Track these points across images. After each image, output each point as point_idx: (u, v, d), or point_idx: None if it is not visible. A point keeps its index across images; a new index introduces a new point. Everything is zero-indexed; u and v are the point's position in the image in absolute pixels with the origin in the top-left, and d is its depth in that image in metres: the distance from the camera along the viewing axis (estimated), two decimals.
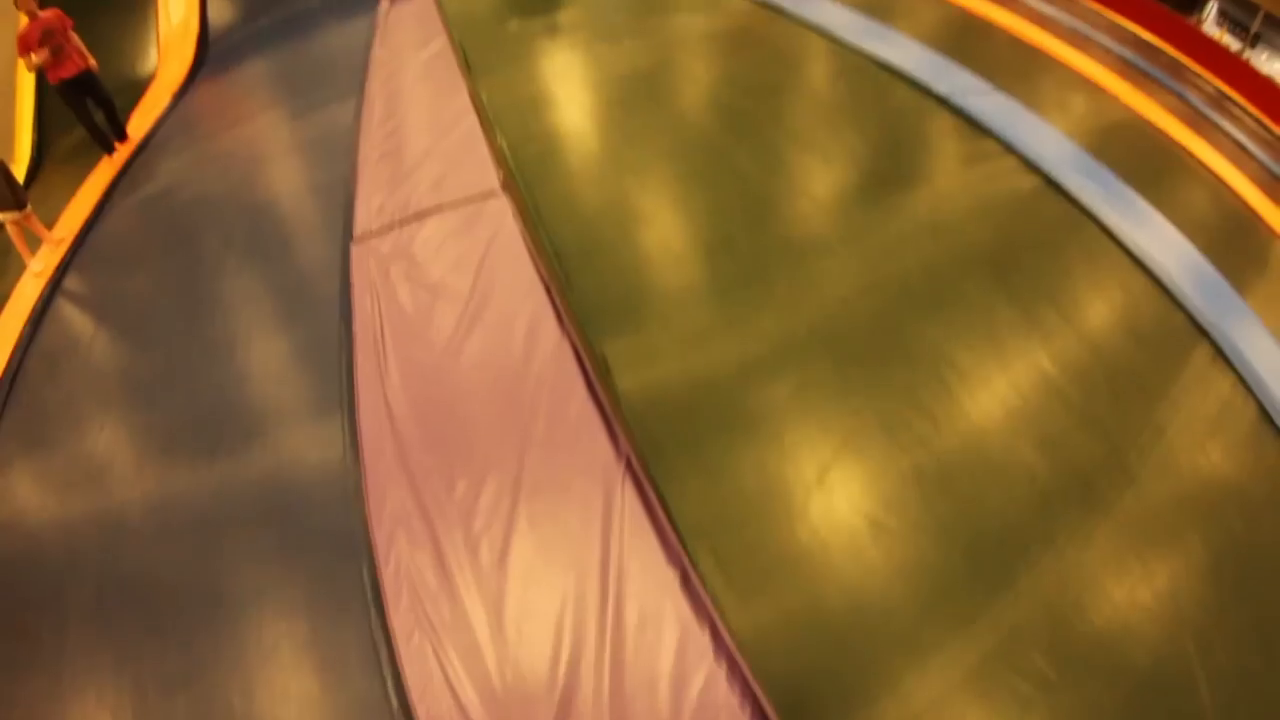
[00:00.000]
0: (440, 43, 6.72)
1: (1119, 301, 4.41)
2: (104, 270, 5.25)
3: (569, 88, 5.81)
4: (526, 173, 4.07)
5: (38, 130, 9.12)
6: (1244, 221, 7.53)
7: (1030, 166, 5.52)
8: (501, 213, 3.65)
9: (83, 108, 6.98)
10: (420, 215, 3.72)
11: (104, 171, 6.83)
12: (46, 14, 6.87)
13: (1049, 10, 14.69)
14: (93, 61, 7.04)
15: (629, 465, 2.60)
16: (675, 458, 2.62)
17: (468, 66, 5.94)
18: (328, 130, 5.78)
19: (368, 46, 7.33)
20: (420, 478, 2.60)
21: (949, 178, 5.07)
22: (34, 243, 5.57)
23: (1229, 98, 18.70)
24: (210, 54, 9.71)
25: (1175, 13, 26.20)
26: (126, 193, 6.34)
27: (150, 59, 9.81)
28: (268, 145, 6.26)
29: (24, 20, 7.08)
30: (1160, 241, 5.36)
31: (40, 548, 3.15)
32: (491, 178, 3.98)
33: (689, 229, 3.91)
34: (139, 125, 7.64)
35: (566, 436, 2.70)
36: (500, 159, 4.19)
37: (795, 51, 7.02)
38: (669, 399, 2.84)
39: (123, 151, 7.10)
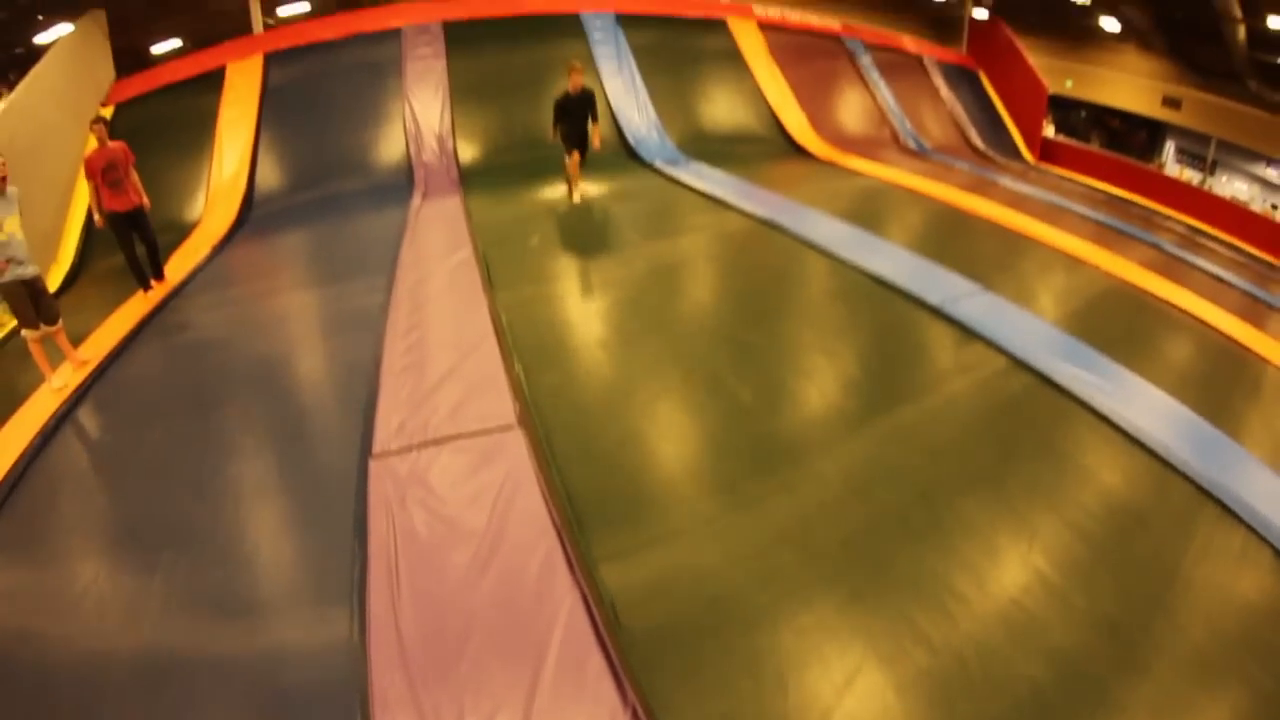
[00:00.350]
0: (466, 252, 7.00)
1: (1118, 486, 4.42)
2: (123, 408, 5.28)
3: (585, 311, 6.07)
4: (542, 407, 4.29)
5: (84, 239, 9.56)
6: (1233, 358, 7.84)
7: (1020, 364, 5.63)
8: (518, 448, 3.80)
9: (128, 241, 7.17)
10: (439, 442, 3.87)
11: (136, 305, 6.97)
12: (114, 145, 7.12)
13: (1025, 189, 15.73)
14: (146, 200, 7.35)
15: (635, 715, 2.65)
16: (682, 709, 2.71)
17: (490, 281, 6.19)
18: (355, 314, 6.03)
19: (398, 241, 7.65)
20: (429, 708, 2.64)
21: (944, 391, 5.16)
22: (54, 356, 5.60)
23: (1200, 231, 19.97)
24: (253, 214, 10.18)
25: (1138, 162, 28.01)
26: (156, 334, 6.44)
27: (198, 206, 10.32)
28: (298, 318, 6.50)
29: (93, 142, 7.38)
30: (1151, 412, 5.43)
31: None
32: (509, 409, 4.15)
33: (696, 466, 4.06)
34: (178, 268, 7.87)
35: (574, 682, 2.75)
36: (517, 390, 4.39)
37: (794, 269, 7.33)
38: (676, 645, 2.93)
39: (158, 290, 7.27)
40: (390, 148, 11.69)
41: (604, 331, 5.67)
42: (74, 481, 4.48)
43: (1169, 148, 29.85)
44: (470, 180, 10.77)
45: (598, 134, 8.92)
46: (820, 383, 5.11)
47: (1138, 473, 4.60)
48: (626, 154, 12.24)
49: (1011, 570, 3.44)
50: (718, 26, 16.37)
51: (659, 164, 11.69)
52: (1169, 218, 20.48)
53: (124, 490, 4.25)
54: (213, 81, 12.07)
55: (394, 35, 13.09)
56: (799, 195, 10.40)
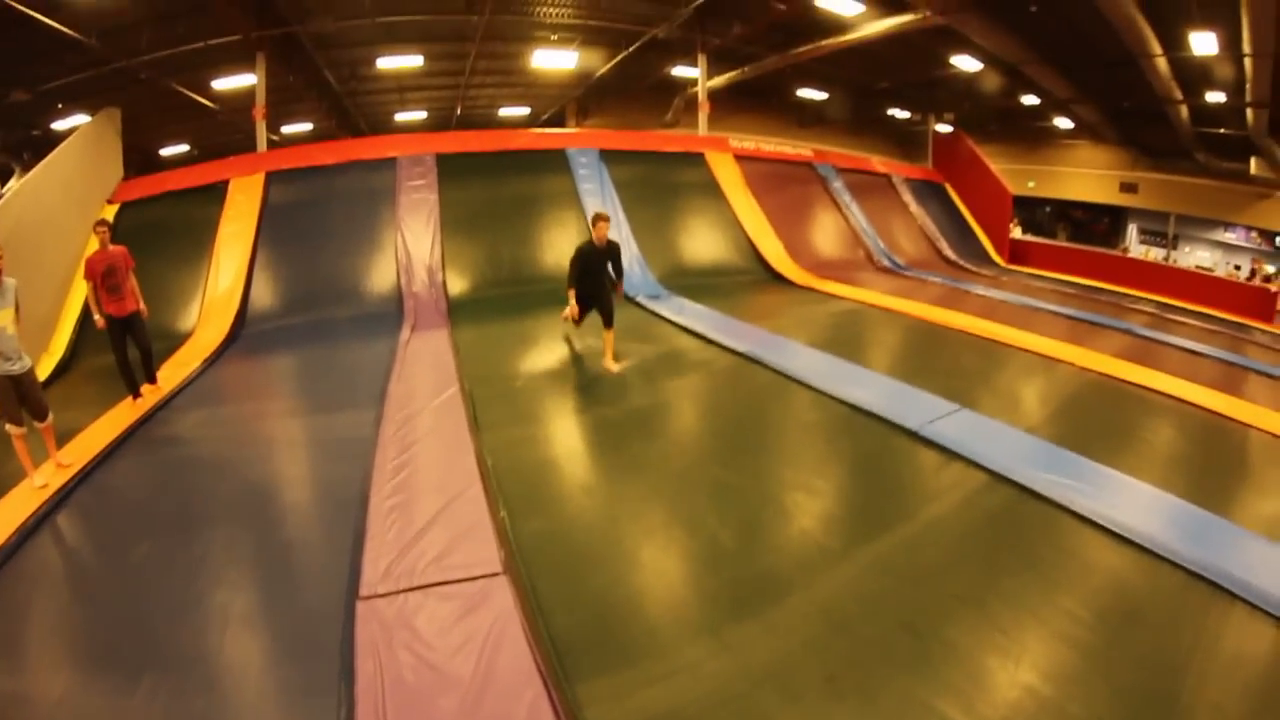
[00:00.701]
0: (452, 390, 7.12)
1: (1106, 587, 4.46)
2: (106, 517, 5.30)
3: (569, 453, 6.17)
4: (527, 553, 4.38)
5: (78, 332, 9.82)
6: (1213, 431, 7.99)
7: (999, 479, 5.73)
8: (503, 595, 3.84)
9: (122, 345, 7.30)
10: (425, 587, 3.92)
11: (125, 412, 7.07)
12: (115, 250, 7.33)
13: (997, 294, 16.06)
14: (144, 306, 7.57)
15: None
16: None
17: (476, 422, 6.30)
18: (343, 446, 6.10)
19: (387, 373, 7.80)
20: None
21: (923, 516, 5.22)
22: (38, 451, 5.61)
23: (1171, 306, 20.20)
24: (245, 331, 10.44)
25: (1104, 249, 28.84)
26: (144, 444, 6.49)
27: (192, 316, 10.62)
28: (286, 444, 6.58)
29: (94, 243, 7.65)
30: (1134, 506, 5.47)
31: None
32: (494, 557, 4.21)
33: (680, 609, 4.08)
34: (168, 378, 8.01)
35: None
36: (503, 536, 4.48)
37: (774, 403, 7.45)
38: None
39: (149, 397, 7.38)
40: (382, 276, 12.08)
41: (588, 474, 5.76)
42: (51, 586, 4.47)
43: (1131, 230, 31.62)
44: (458, 313, 11.06)
45: (620, 288, 8.44)
46: (800, 518, 5.16)
47: (1126, 570, 4.69)
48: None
49: (1001, 691, 3.46)
50: (696, 160, 17.12)
51: (642, 299, 12.05)
52: (1139, 299, 21.04)
53: (105, 603, 4.22)
54: (215, 194, 12.55)
55: (390, 164, 13.68)
56: (778, 325, 10.68)
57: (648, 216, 14.86)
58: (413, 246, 12.37)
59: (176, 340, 9.71)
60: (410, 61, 18.68)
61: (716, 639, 3.77)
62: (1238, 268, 27.83)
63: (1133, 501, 5.66)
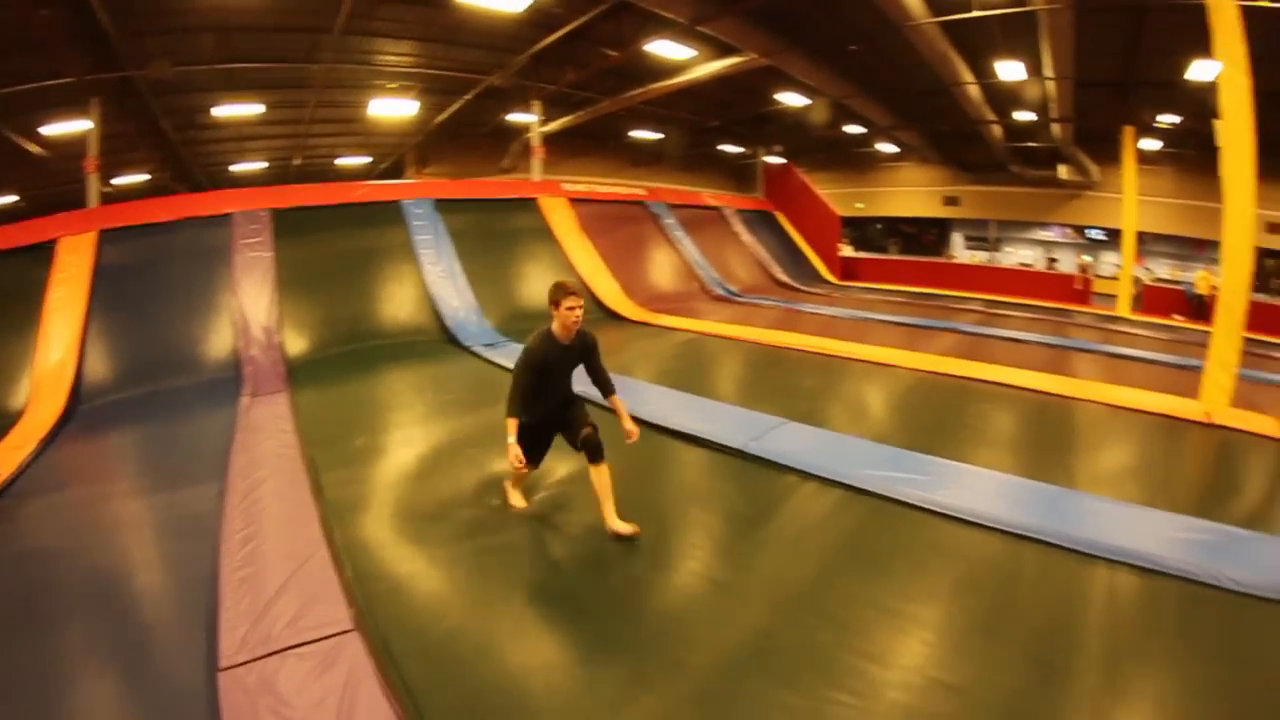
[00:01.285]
0: (294, 457, 7.17)
1: (962, 575, 5.06)
2: None
3: (411, 509, 6.27)
4: (377, 610, 4.59)
5: None
6: (1043, 410, 9.26)
7: (838, 485, 6.41)
8: (356, 650, 4.07)
9: None
10: (282, 651, 4.09)
11: None
12: None
13: (831, 311, 17.30)
14: None
15: None
16: None
17: (319, 486, 6.43)
18: (189, 522, 6.10)
19: (229, 443, 7.66)
20: None
21: (765, 529, 5.72)
22: None
23: (997, 302, 22.27)
24: (81, 408, 9.90)
25: (932, 258, 31.50)
26: None
27: (22, 394, 9.93)
28: (132, 527, 6.43)
29: None
30: (972, 491, 6.22)
31: None
32: (345, 615, 4.43)
33: (528, 648, 4.31)
34: (1, 464, 7.56)
35: None
36: (351, 595, 4.69)
37: (611, 439, 7.54)
38: None
39: None
40: (220, 341, 11.71)
41: (429, 529, 5.92)
42: None
43: (956, 239, 34.86)
44: (298, 375, 10.93)
45: (625, 413, 5.85)
46: (634, 545, 5.52)
47: (976, 553, 5.32)
48: (445, 339, 12.81)
49: (887, 690, 3.84)
50: (529, 205, 17.53)
51: (477, 348, 12.24)
52: (967, 299, 23.39)
53: None
54: (43, 254, 11.70)
55: (225, 221, 13.25)
56: (614, 363, 11.02)
57: (483, 264, 15.16)
58: (249, 308, 12.07)
59: (7, 420, 9.27)
60: (250, 110, 18.49)
61: (567, 673, 4.09)
62: (1054, 260, 31.42)
63: (974, 486, 6.37)
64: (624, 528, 5.56)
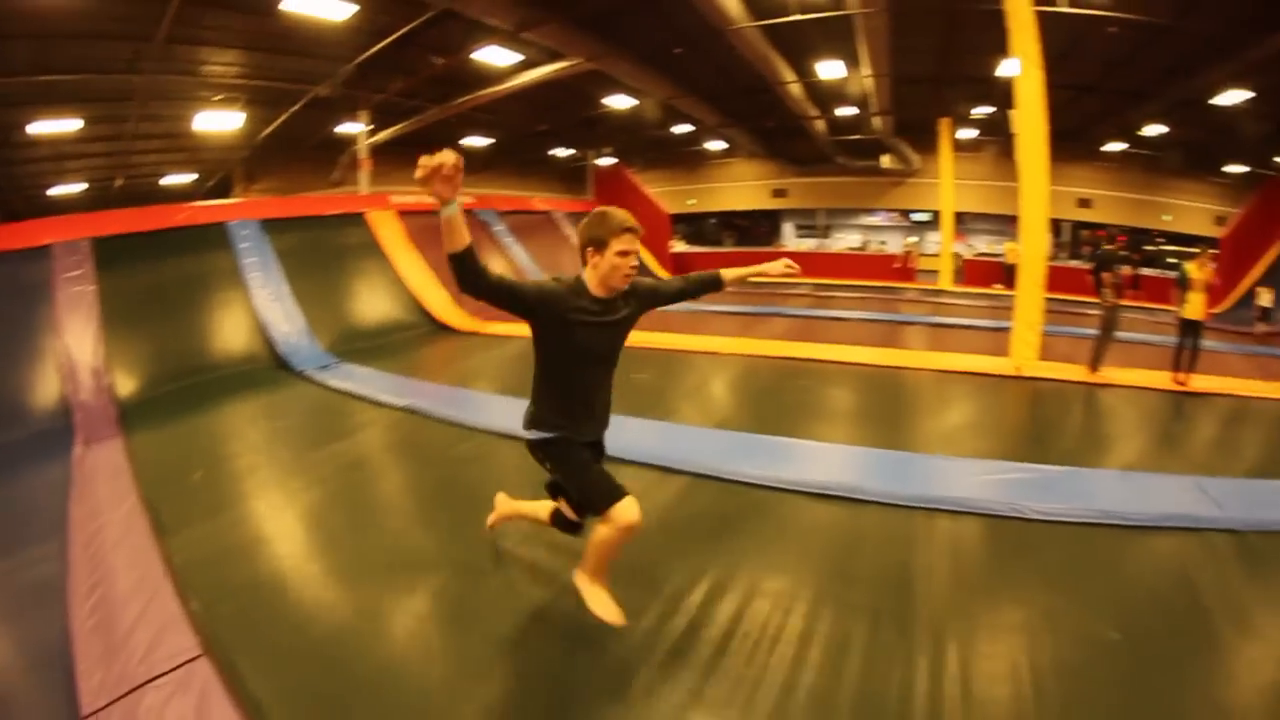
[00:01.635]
0: (132, 499, 6.97)
1: (816, 545, 5.43)
2: None
3: (255, 535, 6.24)
4: (224, 634, 4.60)
5: None
6: (874, 381, 10.13)
7: (686, 475, 6.66)
8: (206, 674, 4.13)
9: None
10: (139, 687, 4.08)
11: None
12: None
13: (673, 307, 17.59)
14: None
15: None
16: None
17: (160, 525, 6.31)
18: (32, 579, 5.83)
19: (65, 496, 7.33)
20: None
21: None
22: None
23: (827, 285, 23.78)
24: None
25: (763, 249, 33.42)
26: None
27: None
28: None
29: None
30: (812, 464, 6.70)
31: None
32: (193, 643, 4.46)
33: (385, 655, 4.36)
34: None
35: None
36: (198, 624, 4.70)
37: (447, 453, 7.89)
38: None
39: None
40: (46, 388, 10.74)
41: (270, 550, 5.95)
42: None
43: (788, 229, 36.70)
44: (131, 416, 10.37)
45: (755, 268, 4.78)
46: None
47: (820, 521, 5.75)
48: (277, 365, 12.30)
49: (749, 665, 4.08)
50: (357, 220, 17.14)
51: (309, 372, 11.89)
52: (799, 284, 24.78)
53: None
54: None
55: (44, 254, 12.20)
56: (453, 375, 11.39)
57: (313, 285, 14.75)
58: (75, 350, 11.20)
59: None
60: (68, 126, 17.34)
61: (412, 667, 4.22)
62: (883, 243, 33.62)
63: (814, 460, 6.81)
64: (608, 615, 4.18)
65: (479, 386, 10.56)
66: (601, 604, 4.14)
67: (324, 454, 8.00)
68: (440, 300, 16.80)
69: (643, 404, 8.87)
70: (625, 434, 7.37)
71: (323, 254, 15.99)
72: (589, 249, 3.78)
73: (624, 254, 3.73)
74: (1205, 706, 3.66)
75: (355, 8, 13.10)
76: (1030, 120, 11.19)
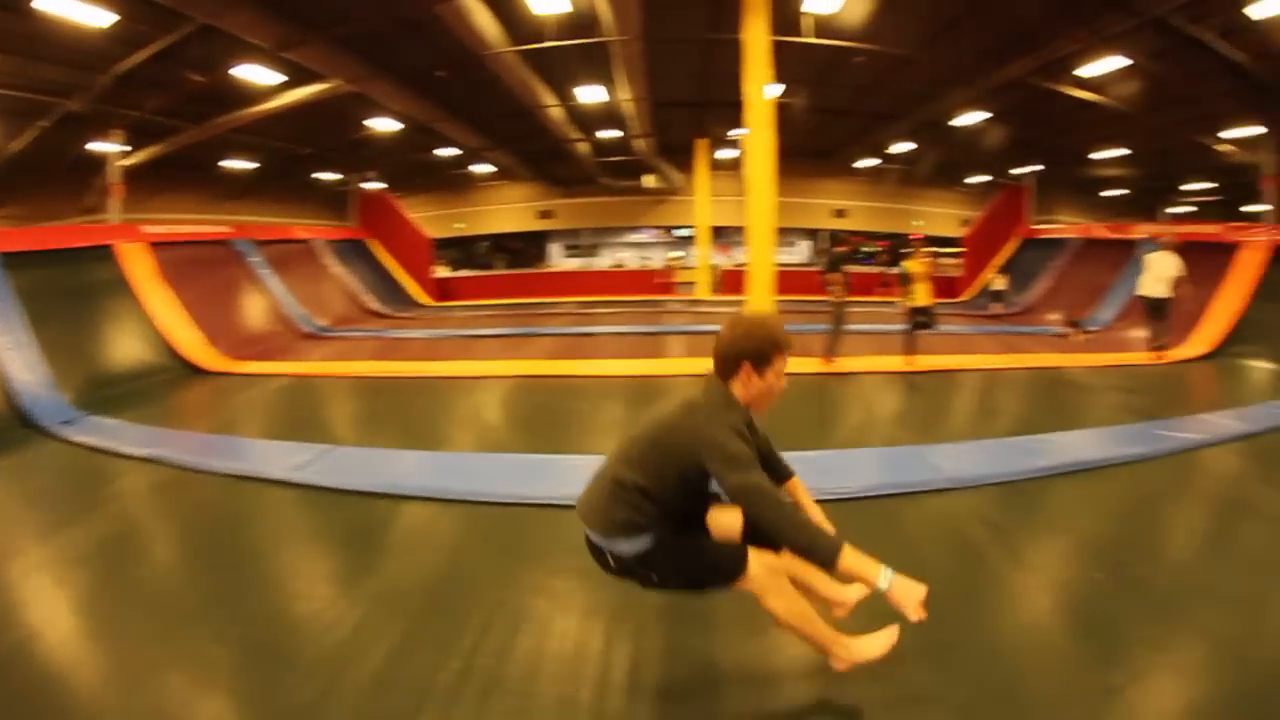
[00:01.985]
0: None
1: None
2: None
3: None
4: None
5: None
6: (640, 392, 10.27)
7: (458, 503, 6.55)
8: None
9: None
10: None
11: None
12: None
13: (427, 333, 19.17)
14: None
15: None
16: None
17: None
18: None
19: None
20: None
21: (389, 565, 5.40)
22: None
23: (595, 302, 26.52)
24: None
25: (529, 270, 35.14)
26: None
27: None
28: None
29: None
30: (582, 477, 6.53)
31: None
32: None
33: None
34: None
35: None
36: None
37: (211, 509, 7.11)
38: None
39: None
40: None
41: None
42: None
43: (554, 249, 38.02)
44: None
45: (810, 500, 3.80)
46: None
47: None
48: (20, 423, 10.51)
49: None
50: (105, 254, 15.39)
51: (55, 428, 10.32)
52: (564, 303, 25.69)
53: None
54: None
55: None
56: (214, 423, 10.72)
57: (58, 329, 12.71)
58: None
59: None
60: None
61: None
62: (647, 259, 35.75)
63: (584, 474, 6.78)
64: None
65: (245, 432, 9.99)
66: (868, 646, 3.46)
67: (74, 531, 6.62)
68: (190, 340, 15.32)
69: (414, 435, 8.86)
70: (400, 465, 7.43)
71: (69, 294, 13.92)
72: (748, 362, 3.28)
73: (781, 374, 3.36)
74: None
75: (115, 17, 12.41)
76: (760, 141, 12.96)
